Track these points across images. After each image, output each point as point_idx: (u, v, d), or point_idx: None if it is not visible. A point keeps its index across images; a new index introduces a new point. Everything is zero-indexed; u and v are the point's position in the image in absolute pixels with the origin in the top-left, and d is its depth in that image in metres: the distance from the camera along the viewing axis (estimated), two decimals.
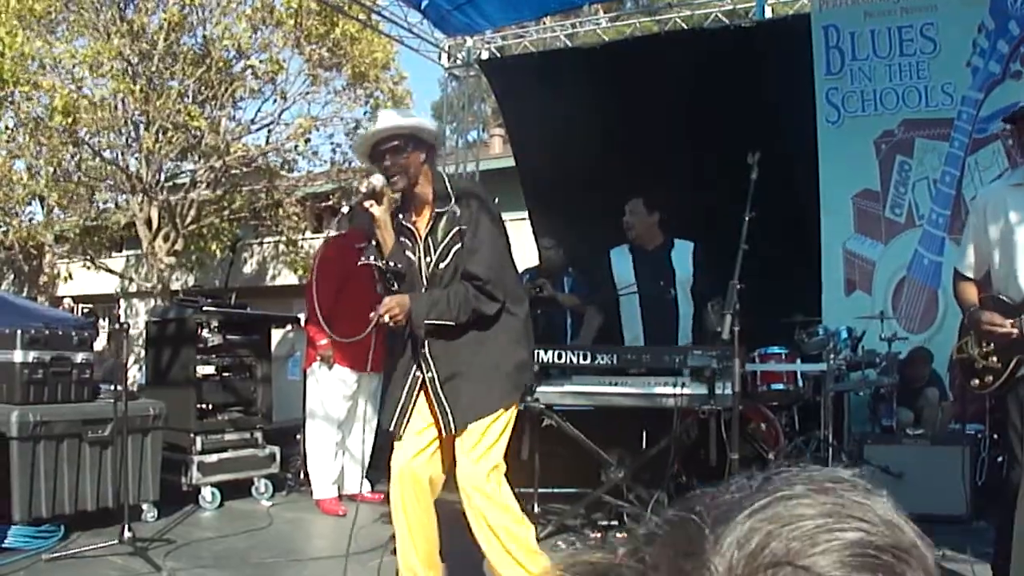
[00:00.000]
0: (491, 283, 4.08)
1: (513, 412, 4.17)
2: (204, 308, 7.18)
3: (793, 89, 8.67)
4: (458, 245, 4.09)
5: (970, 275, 4.33)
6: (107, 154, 18.80)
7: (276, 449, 7.35)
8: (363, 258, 4.23)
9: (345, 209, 4.11)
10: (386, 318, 4.02)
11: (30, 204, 20.82)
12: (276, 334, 9.47)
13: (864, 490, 0.68)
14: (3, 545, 5.34)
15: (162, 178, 19.58)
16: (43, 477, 5.56)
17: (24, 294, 22.77)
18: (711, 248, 6.63)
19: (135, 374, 15.02)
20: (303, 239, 22.67)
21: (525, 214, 11.20)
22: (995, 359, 4.12)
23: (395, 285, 4.19)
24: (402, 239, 4.19)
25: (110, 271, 22.52)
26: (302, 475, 7.49)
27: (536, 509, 6.23)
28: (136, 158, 18.78)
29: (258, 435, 7.30)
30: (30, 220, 21.38)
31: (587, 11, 11.15)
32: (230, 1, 18.21)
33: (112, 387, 5.98)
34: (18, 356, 5.79)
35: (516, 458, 5.88)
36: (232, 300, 7.76)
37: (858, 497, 0.67)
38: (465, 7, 9.91)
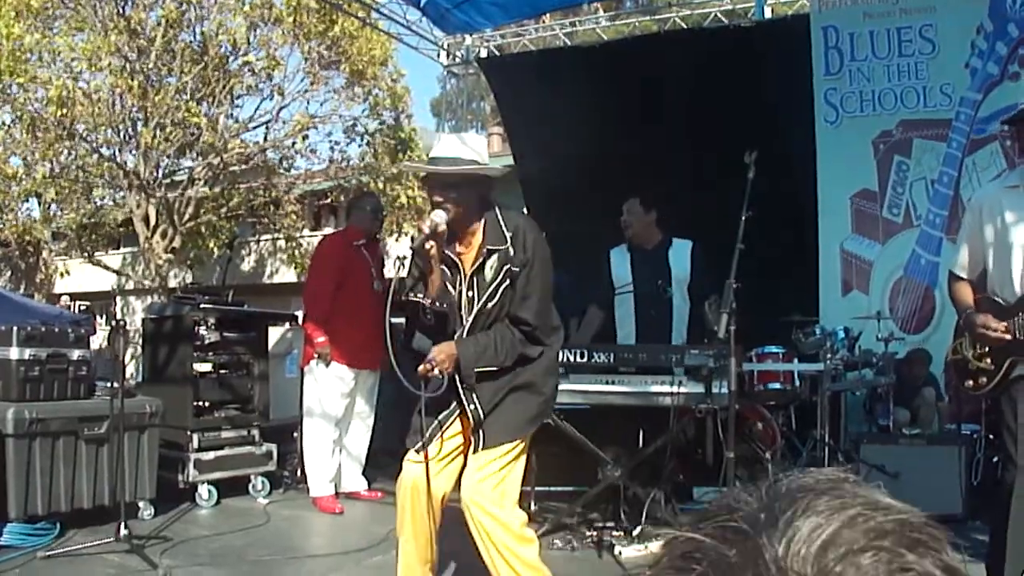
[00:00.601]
0: (538, 329, 4.06)
1: (528, 441, 4.15)
2: (201, 305, 7.18)
3: (792, 89, 8.67)
4: (507, 284, 4.01)
5: (964, 276, 4.34)
6: (104, 151, 18.81)
7: (273, 447, 7.34)
8: (408, 294, 4.14)
9: (413, 245, 3.92)
10: (436, 371, 3.95)
11: (27, 201, 20.84)
12: (274, 332, 9.47)
13: (863, 483, 0.72)
14: None
15: (160, 175, 19.61)
16: (39, 474, 5.56)
17: (21, 291, 22.77)
18: (710, 247, 6.63)
19: (132, 371, 15.01)
20: (301, 236, 22.67)
21: (524, 212, 11.20)
22: (989, 360, 4.13)
23: (432, 321, 4.11)
24: (444, 269, 4.07)
25: (107, 268, 22.52)
26: (299, 473, 7.49)
27: (533, 507, 6.23)
28: (134, 155, 18.80)
29: (255, 433, 7.29)
30: (27, 217, 21.39)
31: (586, 10, 11.17)
32: None
33: (109, 384, 5.97)
34: (14, 353, 5.78)
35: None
36: (229, 297, 7.75)
37: (870, 492, 0.71)
38: (464, 5, 9.91)
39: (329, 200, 22.45)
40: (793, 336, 7.45)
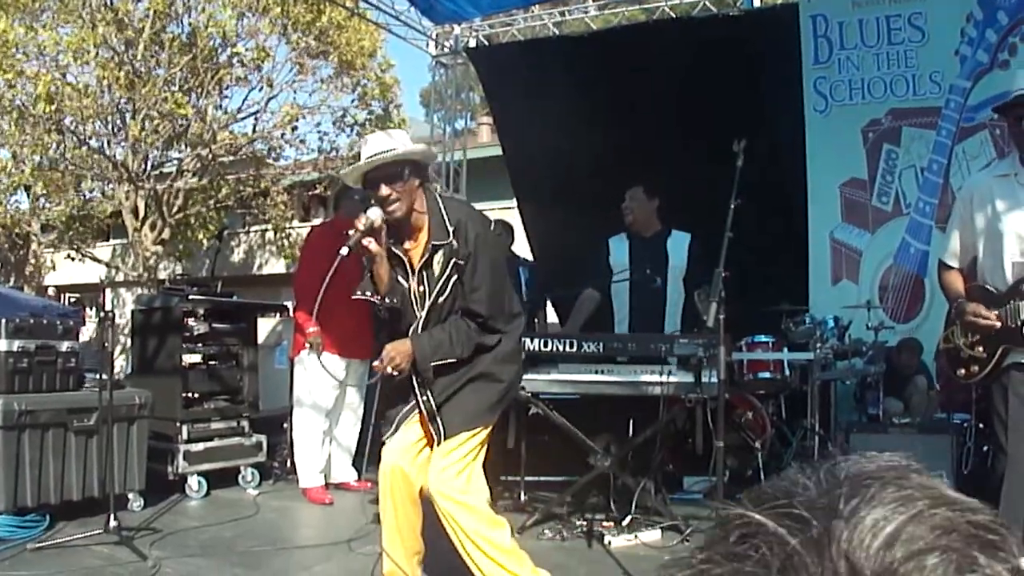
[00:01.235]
0: (492, 318, 4.09)
1: (491, 429, 4.18)
2: (190, 297, 7.16)
3: (781, 78, 8.67)
4: (455, 277, 4.04)
5: (955, 264, 4.34)
6: (93, 142, 18.71)
7: (263, 438, 7.34)
8: (358, 292, 4.16)
9: (344, 251, 3.90)
10: (389, 369, 3.99)
11: (15, 193, 20.77)
12: (264, 323, 9.45)
13: (926, 472, 0.69)
14: None
15: (148, 167, 19.53)
16: (28, 466, 5.54)
17: (10, 284, 22.71)
18: (699, 236, 6.64)
19: (121, 363, 14.98)
20: (290, 227, 22.62)
21: (513, 202, 11.20)
22: (981, 349, 4.13)
23: (386, 315, 4.16)
24: (394, 268, 4.11)
25: (97, 260, 22.45)
26: (289, 464, 7.48)
27: (523, 497, 6.24)
28: (122, 147, 18.72)
29: (245, 424, 7.28)
30: (16, 209, 21.32)
31: None
32: None
33: (98, 376, 5.95)
34: (3, 345, 5.75)
35: (502, 447, 5.89)
36: (219, 289, 7.73)
37: (935, 483, 0.68)
38: None
39: (318, 191, 22.37)
40: (783, 325, 7.46)
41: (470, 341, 4.04)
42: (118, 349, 16.08)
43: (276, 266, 23.39)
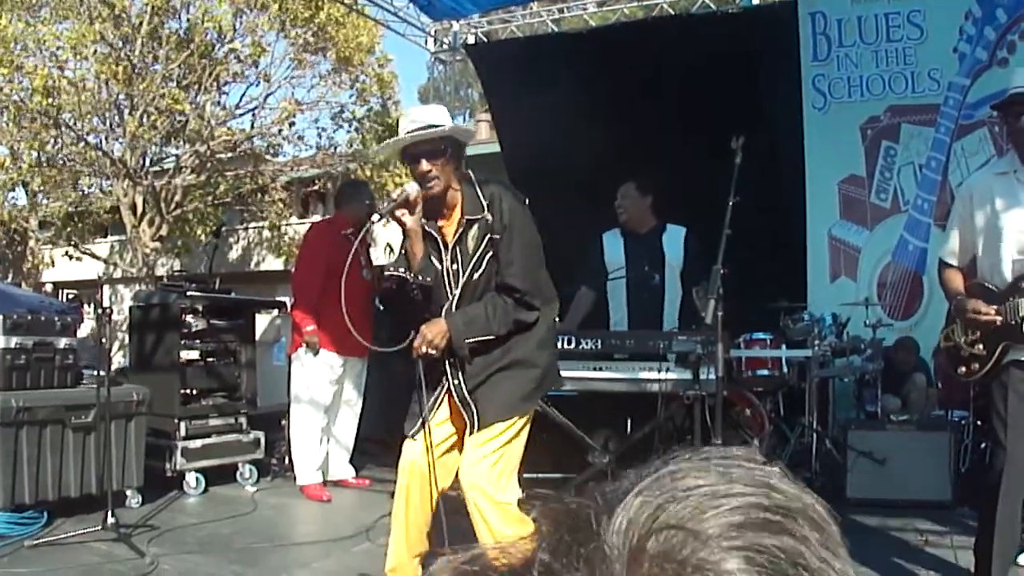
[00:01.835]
0: (529, 293, 4.02)
1: (530, 417, 4.12)
2: (188, 293, 7.15)
3: (780, 75, 8.66)
4: (491, 254, 3.99)
5: (954, 263, 4.34)
6: (90, 139, 18.72)
7: (261, 435, 7.33)
8: (391, 270, 4.10)
9: (376, 218, 3.91)
10: (425, 349, 3.93)
11: (13, 190, 20.76)
12: (262, 319, 9.46)
13: (755, 462, 0.67)
14: None
15: (146, 163, 19.55)
16: (26, 463, 5.54)
17: (8, 280, 22.70)
18: (698, 233, 6.63)
19: (120, 360, 14.97)
20: (288, 224, 22.62)
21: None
22: (981, 346, 4.13)
23: (419, 295, 4.09)
24: (426, 246, 4.05)
25: (95, 257, 22.45)
26: (287, 460, 7.48)
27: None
28: (120, 143, 18.73)
29: (243, 420, 7.27)
30: (13, 205, 21.31)
31: None
32: None
33: (96, 372, 5.94)
34: (0, 342, 5.75)
35: None
36: (216, 285, 7.72)
37: (748, 468, 0.66)
38: None
39: (317, 187, 22.40)
40: (781, 322, 7.45)
41: (507, 317, 3.98)
42: (116, 345, 16.09)
43: (274, 263, 23.39)
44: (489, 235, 3.96)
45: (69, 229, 21.85)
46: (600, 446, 5.88)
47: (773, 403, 7.60)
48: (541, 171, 10.10)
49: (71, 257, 21.95)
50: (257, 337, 8.18)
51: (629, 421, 6.25)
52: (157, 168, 20.19)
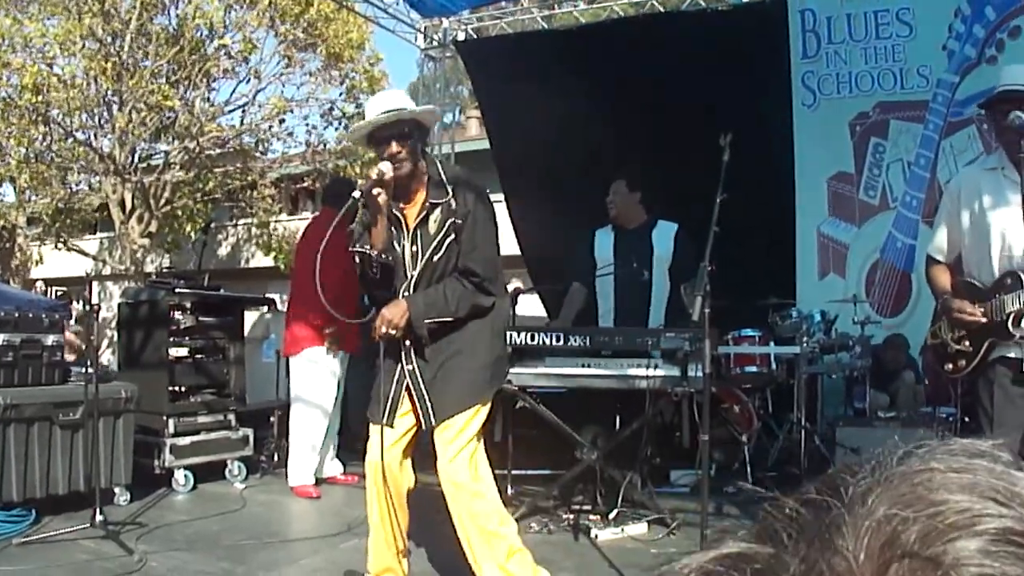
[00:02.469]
0: (488, 279, 4.07)
1: (488, 404, 4.14)
2: (177, 290, 7.13)
3: (769, 72, 8.67)
4: (451, 238, 4.02)
5: (942, 259, 4.35)
6: (79, 135, 18.66)
7: (250, 431, 7.31)
8: (354, 245, 4.12)
9: (357, 194, 3.93)
10: (384, 329, 3.96)
11: (1, 186, 20.71)
12: (251, 316, 9.44)
13: (1005, 464, 0.63)
14: None
15: (135, 159, 19.50)
16: (13, 461, 5.52)
17: None
18: (689, 230, 6.63)
19: (109, 357, 14.94)
20: (277, 221, 22.59)
21: (501, 196, 11.19)
22: (967, 343, 4.14)
23: (378, 275, 4.12)
24: (390, 228, 4.08)
25: (83, 253, 22.39)
26: (276, 458, 7.47)
27: (510, 491, 6.23)
28: (109, 139, 18.68)
29: (231, 417, 7.25)
30: (1, 202, 21.25)
31: None
32: None
33: (84, 370, 5.93)
34: None
35: (490, 440, 5.88)
36: (205, 282, 7.71)
37: (999, 475, 0.62)
38: None
39: (306, 184, 22.34)
40: (770, 319, 7.48)
41: (466, 300, 4.02)
42: (105, 342, 16.06)
43: (263, 260, 23.33)
44: (452, 219, 4.00)
45: (57, 225, 21.78)
46: (588, 443, 5.87)
47: (762, 400, 7.62)
48: (531, 168, 10.12)
49: (61, 250, 21.88)
50: (246, 334, 8.16)
51: (617, 418, 6.25)
52: (146, 164, 20.14)
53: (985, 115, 4.71)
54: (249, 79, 19.89)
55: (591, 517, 5.76)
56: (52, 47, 17.19)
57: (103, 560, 4.92)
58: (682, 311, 5.80)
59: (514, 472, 6.30)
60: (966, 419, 6.58)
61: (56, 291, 18.63)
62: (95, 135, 18.91)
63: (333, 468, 7.29)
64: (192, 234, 20.07)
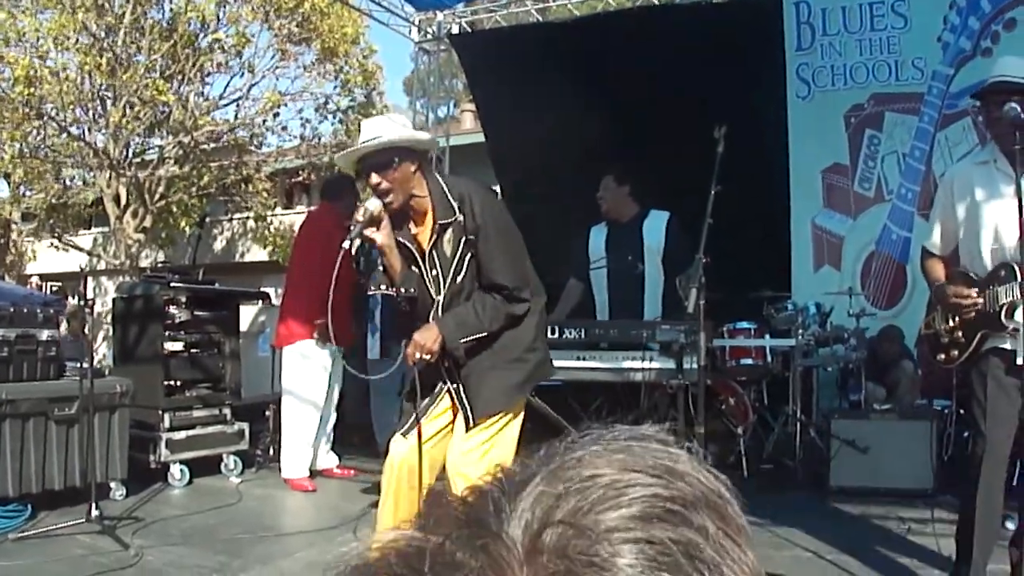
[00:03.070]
0: (517, 288, 4.01)
1: (521, 410, 4.12)
2: (172, 284, 7.13)
3: (763, 64, 8.67)
4: (469, 255, 3.96)
5: (937, 252, 4.36)
6: (73, 130, 18.62)
7: (245, 426, 7.32)
8: (372, 287, 4.06)
9: (347, 244, 3.83)
10: (419, 355, 3.89)
11: None
12: (246, 310, 9.43)
13: (663, 444, 0.66)
14: None
15: (130, 154, 19.44)
16: (9, 456, 5.52)
17: None
18: (684, 223, 6.63)
19: (104, 351, 14.94)
20: (272, 215, 22.56)
21: (496, 189, 11.18)
22: (960, 334, 4.15)
23: (407, 307, 4.08)
24: (403, 257, 4.02)
25: (78, 249, 22.35)
26: (271, 451, 7.47)
27: None
28: (103, 134, 18.62)
29: (227, 412, 7.26)
30: None
31: None
32: None
33: (79, 364, 5.93)
34: None
35: None
36: (201, 276, 7.71)
37: (654, 453, 0.65)
38: None
39: (301, 178, 22.31)
40: (765, 312, 7.47)
41: (497, 313, 3.96)
42: (100, 337, 16.06)
43: (258, 254, 23.32)
44: (464, 237, 3.94)
45: (52, 221, 21.75)
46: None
47: (757, 392, 7.62)
48: (526, 161, 10.11)
49: (56, 247, 21.86)
50: (242, 328, 8.16)
51: (613, 410, 6.25)
52: (140, 159, 20.09)
53: (979, 106, 4.72)
54: (243, 73, 19.85)
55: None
56: (45, 41, 17.15)
57: (99, 555, 4.92)
58: (678, 301, 5.81)
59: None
60: (962, 411, 6.59)
61: (51, 286, 18.63)
62: (89, 130, 18.85)
63: (328, 461, 7.30)
64: (187, 229, 20.03)
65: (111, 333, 8.91)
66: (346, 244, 3.84)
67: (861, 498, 6.06)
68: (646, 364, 5.67)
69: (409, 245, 4.03)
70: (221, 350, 7.47)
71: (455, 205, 3.94)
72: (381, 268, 4.03)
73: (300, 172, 22.05)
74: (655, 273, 6.67)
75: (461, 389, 4.00)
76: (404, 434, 4.07)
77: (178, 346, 7.32)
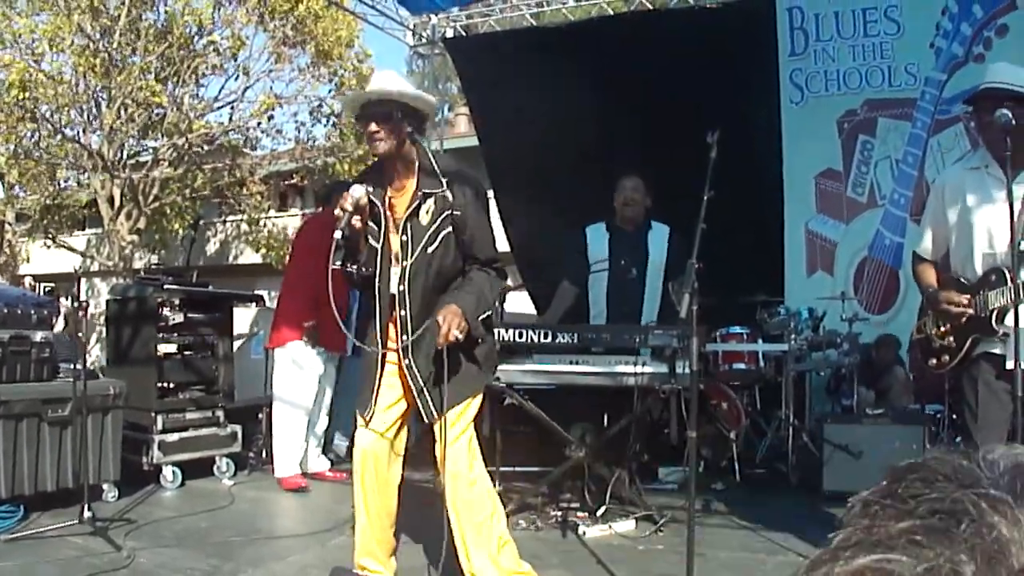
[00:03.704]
0: (500, 263, 4.12)
1: (481, 394, 4.17)
2: (165, 286, 7.13)
3: (757, 70, 8.68)
4: (448, 230, 3.98)
5: (928, 257, 4.38)
6: (68, 131, 18.62)
7: (238, 428, 7.32)
8: (335, 264, 4.05)
9: (338, 235, 3.79)
10: (456, 334, 3.83)
11: None
12: (240, 313, 9.42)
13: None
14: None
15: (124, 156, 19.46)
16: (1, 457, 5.51)
17: None
18: (676, 227, 6.63)
19: (97, 353, 14.92)
20: (266, 218, 22.56)
21: (490, 193, 11.18)
22: (952, 339, 4.17)
23: (360, 284, 4.10)
24: (370, 223, 4.01)
25: (72, 250, 22.34)
26: (264, 454, 7.47)
27: (498, 487, 6.23)
28: (98, 135, 18.64)
29: (220, 414, 7.26)
30: None
31: None
32: None
33: (72, 366, 5.92)
34: None
35: (478, 437, 5.90)
36: (194, 279, 7.70)
37: None
38: None
39: (295, 181, 22.34)
40: (758, 316, 7.49)
41: (496, 289, 4.08)
42: (93, 338, 16.03)
43: (252, 256, 23.32)
44: (449, 211, 3.96)
45: (46, 222, 21.74)
46: (577, 440, 5.88)
47: (750, 397, 7.64)
48: (519, 165, 10.12)
49: (49, 247, 21.84)
50: (235, 331, 8.15)
51: (605, 415, 6.26)
52: (134, 161, 20.11)
53: (971, 112, 4.74)
54: (238, 76, 19.91)
55: (579, 514, 5.77)
56: (41, 43, 17.15)
57: (91, 556, 4.91)
58: (674, 312, 5.82)
59: (502, 469, 6.30)
60: (954, 416, 6.61)
61: (44, 288, 18.61)
62: (84, 131, 18.87)
63: (320, 464, 7.30)
64: (180, 231, 20.04)
65: (104, 335, 8.89)
66: (337, 234, 3.81)
67: None
68: (639, 369, 5.67)
69: (385, 208, 4.04)
70: (214, 352, 7.46)
71: (443, 179, 3.98)
72: (344, 248, 3.94)
73: (294, 175, 22.08)
74: (656, 285, 6.66)
75: (418, 374, 4.02)
76: (367, 424, 4.10)
77: (171, 348, 7.31)
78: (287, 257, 9.21)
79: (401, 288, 4.03)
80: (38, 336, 6.06)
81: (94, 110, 18.64)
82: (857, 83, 8.54)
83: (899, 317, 8.03)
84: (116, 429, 6.22)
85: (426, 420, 4.06)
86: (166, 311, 7.11)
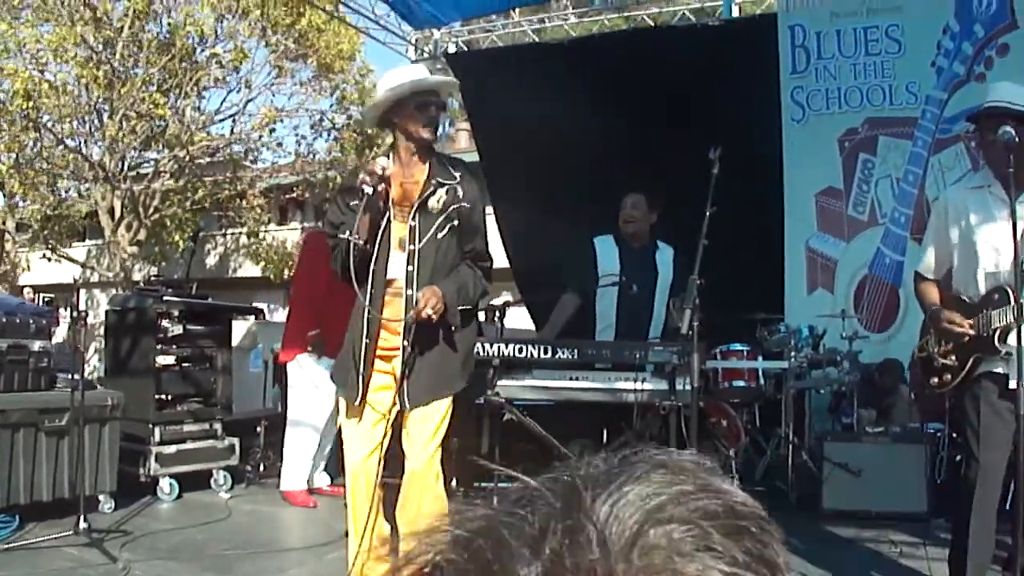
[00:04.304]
0: (489, 264, 4.20)
1: (451, 404, 4.18)
2: (164, 298, 7.12)
3: (758, 87, 8.68)
4: (455, 221, 4.05)
5: (930, 276, 4.37)
6: (70, 142, 18.64)
7: (236, 441, 7.29)
8: (346, 233, 4.03)
9: (369, 190, 3.87)
10: (430, 311, 3.89)
11: None
12: (239, 326, 9.42)
13: (715, 471, 0.69)
14: None
15: (125, 167, 19.48)
16: None
17: None
18: (678, 244, 6.62)
19: (95, 364, 14.90)
20: (266, 231, 22.57)
21: (491, 208, 11.18)
22: (954, 358, 4.16)
23: (356, 259, 4.04)
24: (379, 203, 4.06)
25: (72, 260, 22.34)
26: (262, 467, 7.45)
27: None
28: (99, 147, 18.66)
29: (217, 426, 7.24)
30: None
31: (555, 6, 11.20)
32: None
33: (70, 376, 5.91)
34: None
35: (476, 451, 5.88)
36: (194, 291, 7.69)
37: (713, 478, 0.68)
38: None
39: (295, 194, 22.35)
40: (758, 334, 7.48)
41: (479, 287, 4.12)
42: (92, 349, 16.01)
43: (252, 269, 23.33)
44: (459, 204, 4.04)
45: (46, 232, 21.74)
46: (575, 456, 5.85)
47: (749, 414, 7.62)
48: (520, 180, 10.12)
49: (49, 259, 21.83)
50: (234, 343, 8.15)
51: (605, 431, 6.24)
52: (135, 173, 20.12)
53: (973, 131, 4.74)
54: (240, 88, 19.93)
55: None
56: (45, 53, 17.18)
57: (86, 568, 4.90)
58: (677, 330, 5.80)
59: (500, 485, 6.28)
60: (955, 434, 6.58)
61: (44, 298, 18.58)
62: (85, 142, 18.89)
63: (321, 480, 7.27)
64: (181, 243, 20.03)
65: (103, 345, 8.87)
66: (368, 190, 3.87)
67: (853, 521, 6.05)
68: (639, 385, 5.65)
69: (390, 193, 4.07)
70: (213, 365, 7.45)
71: (456, 173, 4.09)
72: (357, 221, 3.96)
73: (295, 188, 22.09)
74: (663, 304, 6.64)
75: (400, 366, 4.03)
76: (354, 402, 4.12)
77: (170, 360, 7.29)
78: (286, 271, 9.21)
79: (410, 269, 4.05)
80: (36, 345, 6.05)
81: (96, 121, 18.66)
82: (858, 101, 8.55)
83: (899, 336, 8.02)
84: (113, 440, 6.21)
85: (398, 407, 4.06)
86: (165, 323, 7.10)
